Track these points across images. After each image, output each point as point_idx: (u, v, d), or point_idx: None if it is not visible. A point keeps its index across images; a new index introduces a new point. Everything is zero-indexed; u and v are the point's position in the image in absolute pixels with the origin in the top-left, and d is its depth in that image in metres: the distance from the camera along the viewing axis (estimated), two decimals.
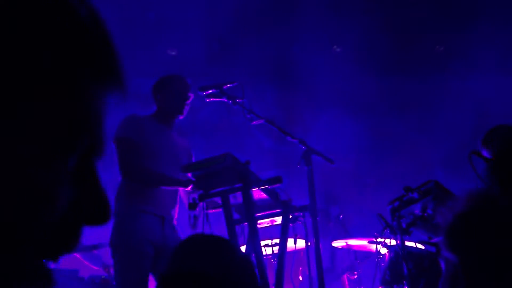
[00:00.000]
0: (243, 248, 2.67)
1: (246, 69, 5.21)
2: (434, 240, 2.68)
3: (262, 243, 3.36)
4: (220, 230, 2.48)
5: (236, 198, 2.53)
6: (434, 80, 5.72)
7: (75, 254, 4.04)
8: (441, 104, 5.73)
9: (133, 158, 2.75)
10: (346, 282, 4.51)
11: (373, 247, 3.72)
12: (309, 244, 2.93)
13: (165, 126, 2.95)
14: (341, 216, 4.94)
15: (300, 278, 4.38)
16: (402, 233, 2.62)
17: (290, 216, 2.70)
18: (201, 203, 2.47)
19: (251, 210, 2.42)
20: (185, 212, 2.64)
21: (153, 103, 3.05)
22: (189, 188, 2.63)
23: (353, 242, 4.03)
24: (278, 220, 2.74)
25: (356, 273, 4.35)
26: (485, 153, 2.54)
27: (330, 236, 4.66)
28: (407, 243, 2.81)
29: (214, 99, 2.84)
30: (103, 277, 3.40)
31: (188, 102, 2.92)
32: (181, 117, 2.97)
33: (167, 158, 2.84)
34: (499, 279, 1.16)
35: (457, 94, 5.56)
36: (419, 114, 5.84)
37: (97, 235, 4.38)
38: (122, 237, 2.67)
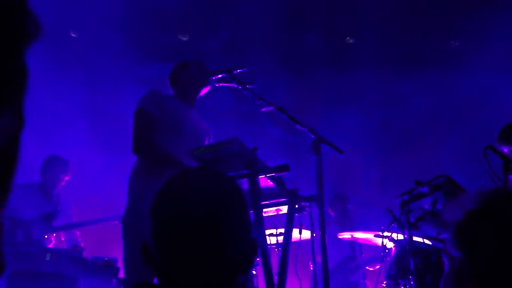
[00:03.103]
0: None
1: (257, 57, 5.16)
2: (442, 236, 2.63)
3: (267, 232, 3.34)
4: None
5: (242, 185, 2.49)
6: (445, 75, 5.63)
7: (61, 232, 4.07)
8: (452, 99, 5.65)
9: (147, 133, 2.67)
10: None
11: (378, 240, 3.68)
12: (314, 235, 2.89)
13: (187, 104, 2.91)
14: (348, 209, 4.91)
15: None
16: (410, 228, 2.57)
17: (296, 206, 2.66)
18: None
19: (257, 198, 2.37)
20: None
21: (169, 87, 3.01)
22: None
23: (358, 235, 3.99)
24: (284, 209, 2.70)
25: (378, 265, 4.34)
26: (501, 148, 2.47)
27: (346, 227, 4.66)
28: (415, 238, 2.77)
29: (224, 84, 2.79)
30: (106, 259, 3.39)
31: (212, 77, 2.84)
32: (206, 89, 2.92)
33: (189, 135, 2.77)
34: (506, 279, 1.12)
35: (468, 89, 5.47)
36: (430, 109, 5.77)
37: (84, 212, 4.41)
38: (134, 218, 2.59)
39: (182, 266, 1.01)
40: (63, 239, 4.16)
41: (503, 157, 2.18)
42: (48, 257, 3.25)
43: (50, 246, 4.02)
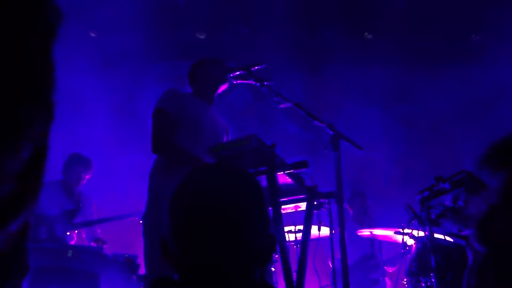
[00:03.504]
0: None
1: (275, 53, 5.14)
2: (464, 232, 2.59)
3: (286, 229, 3.33)
4: None
5: (261, 181, 2.49)
6: (467, 69, 5.52)
7: (82, 230, 4.13)
8: (474, 95, 5.54)
9: (165, 132, 2.68)
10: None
11: (398, 237, 3.64)
12: (333, 232, 2.88)
13: (205, 102, 2.92)
14: (368, 206, 4.87)
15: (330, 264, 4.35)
16: (431, 224, 2.54)
17: (315, 203, 2.65)
18: None
19: (275, 195, 2.37)
20: None
21: (188, 85, 3.03)
22: None
23: (378, 232, 3.95)
24: (303, 206, 2.69)
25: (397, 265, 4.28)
26: None
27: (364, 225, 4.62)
28: (436, 235, 2.73)
29: (241, 81, 2.79)
30: (126, 255, 3.43)
31: (229, 74, 2.85)
32: (224, 87, 2.93)
33: (207, 133, 2.78)
34: None
35: (490, 84, 5.37)
36: (451, 104, 5.67)
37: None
38: (154, 216, 2.59)
39: (200, 262, 1.01)
40: (84, 236, 4.22)
41: None
42: (70, 253, 3.30)
43: (72, 243, 4.08)
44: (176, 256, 1.04)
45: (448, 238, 2.89)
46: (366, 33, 5.87)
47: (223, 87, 2.94)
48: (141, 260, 3.02)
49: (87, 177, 4.22)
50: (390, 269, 4.60)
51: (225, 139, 2.97)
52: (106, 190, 4.97)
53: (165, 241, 1.07)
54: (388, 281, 4.53)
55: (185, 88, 3.03)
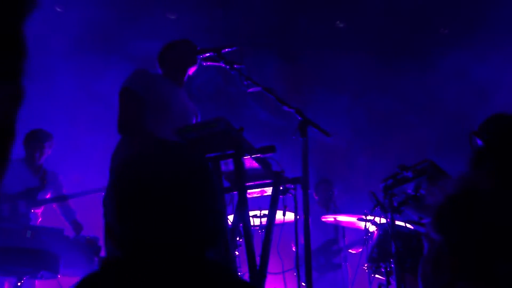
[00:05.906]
0: (230, 218, 2.63)
1: (247, 39, 5.11)
2: (424, 220, 2.66)
3: (251, 213, 3.34)
4: None
5: (227, 165, 2.48)
6: (433, 61, 5.64)
7: (53, 205, 4.04)
8: (439, 86, 5.67)
9: (133, 113, 2.62)
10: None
11: (361, 224, 3.71)
12: (298, 217, 2.89)
13: (176, 84, 2.87)
14: (333, 193, 4.93)
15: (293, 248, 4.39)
16: (393, 212, 2.59)
17: (281, 188, 2.65)
18: None
19: (242, 179, 2.37)
20: None
21: (158, 67, 2.96)
22: None
23: (342, 218, 4.02)
24: (269, 191, 2.69)
25: (360, 249, 4.35)
26: (478, 140, 2.49)
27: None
28: (397, 222, 2.79)
29: (211, 63, 2.75)
30: (87, 237, 3.37)
31: (199, 55, 2.80)
32: (194, 68, 2.88)
33: (176, 115, 2.73)
34: (485, 261, 1.13)
35: (455, 76, 5.50)
36: (416, 96, 5.79)
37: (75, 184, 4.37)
38: None
39: (143, 241, 0.99)
40: (61, 216, 4.11)
41: (485, 142, 2.19)
42: (28, 234, 3.21)
43: (38, 222, 3.99)
44: (119, 236, 1.02)
45: (408, 226, 2.96)
46: (338, 22, 5.89)
47: (193, 69, 2.89)
48: (102, 242, 2.97)
49: (49, 152, 4.11)
50: (353, 250, 4.69)
51: (194, 122, 2.94)
52: (70, 169, 4.85)
53: (109, 222, 1.05)
54: (349, 266, 4.63)
55: (153, 69, 2.97)
